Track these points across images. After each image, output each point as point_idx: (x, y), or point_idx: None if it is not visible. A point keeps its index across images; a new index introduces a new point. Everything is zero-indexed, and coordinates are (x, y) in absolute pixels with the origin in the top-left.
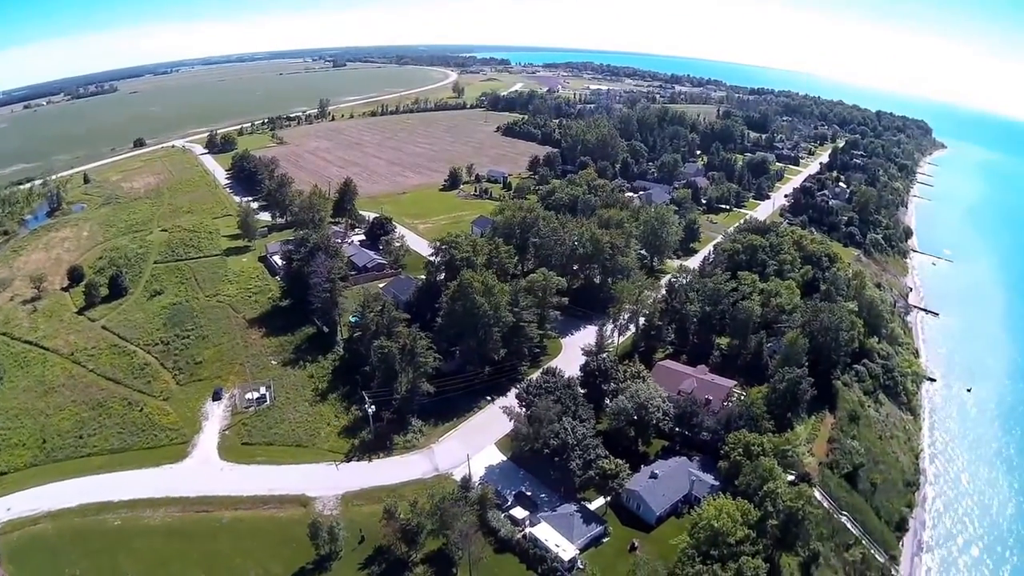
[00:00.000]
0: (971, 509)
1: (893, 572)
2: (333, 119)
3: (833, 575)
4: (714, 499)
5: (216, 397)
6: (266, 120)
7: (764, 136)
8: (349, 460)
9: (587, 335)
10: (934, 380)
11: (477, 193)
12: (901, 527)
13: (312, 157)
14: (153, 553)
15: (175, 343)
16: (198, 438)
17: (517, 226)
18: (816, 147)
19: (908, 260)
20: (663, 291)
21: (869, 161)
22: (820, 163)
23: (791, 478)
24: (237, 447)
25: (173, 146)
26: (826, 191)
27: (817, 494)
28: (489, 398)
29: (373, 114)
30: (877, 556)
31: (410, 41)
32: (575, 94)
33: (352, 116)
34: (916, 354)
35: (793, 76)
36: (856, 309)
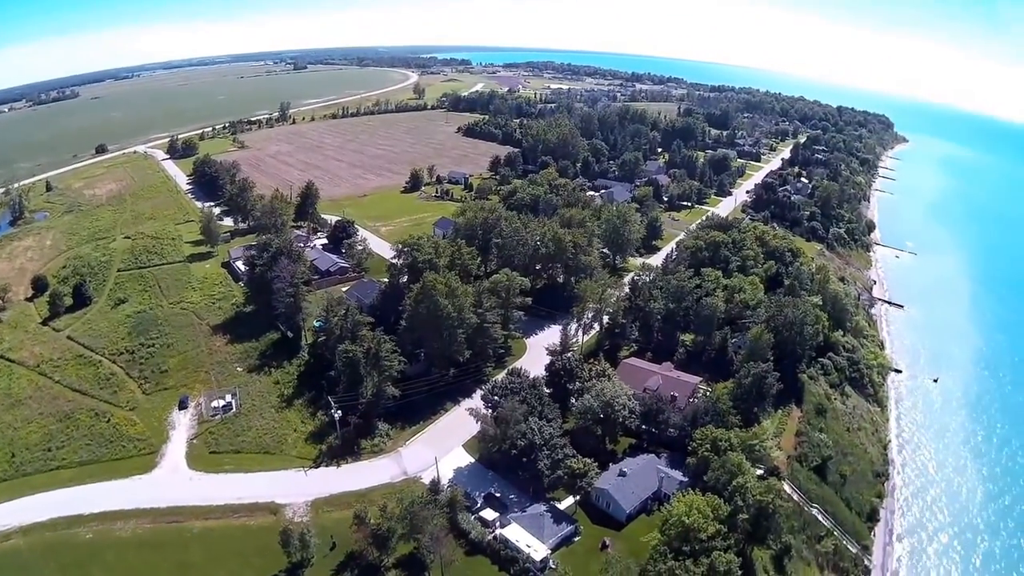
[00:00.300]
0: (940, 497)
1: (866, 562)
2: (294, 122)
3: (806, 567)
4: (683, 495)
5: (182, 406)
6: (227, 124)
7: (725, 133)
8: (317, 466)
9: (551, 335)
10: (900, 371)
11: (438, 194)
12: (872, 517)
13: (273, 161)
14: (125, 566)
15: (140, 352)
16: (166, 448)
17: (479, 227)
18: (777, 143)
19: (871, 253)
20: (626, 289)
21: (831, 156)
22: (782, 159)
23: (760, 472)
24: (205, 456)
25: (135, 152)
26: (788, 186)
27: (787, 487)
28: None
29: (334, 116)
30: (849, 547)
31: (371, 42)
32: (536, 94)
33: (313, 119)
34: (881, 346)
35: (754, 73)
36: (820, 303)
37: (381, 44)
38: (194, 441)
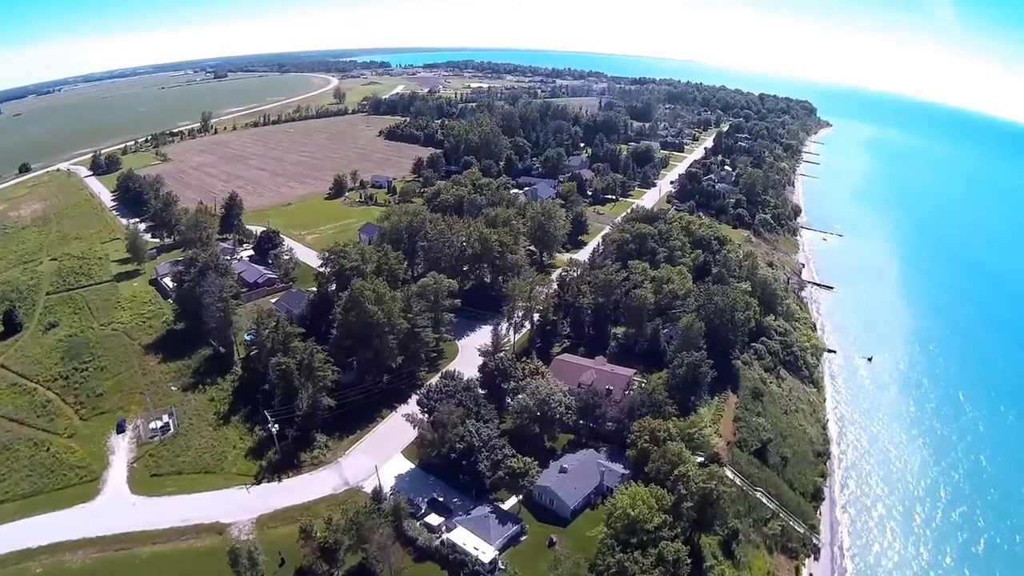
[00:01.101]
0: (880, 471)
1: (815, 540)
2: (216, 132)
3: (754, 550)
4: (626, 488)
5: (120, 429)
6: (149, 137)
7: (647, 125)
8: (259, 482)
9: (483, 335)
10: (834, 352)
11: (362, 200)
12: (817, 496)
13: (197, 173)
14: None
15: (75, 377)
16: (107, 474)
17: (404, 231)
18: (700, 133)
19: (798, 237)
20: (555, 286)
21: (754, 143)
22: (705, 148)
23: (701, 460)
24: (147, 479)
25: (59, 170)
26: (712, 175)
27: (729, 473)
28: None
29: (255, 125)
30: (796, 527)
31: (291, 48)
32: (457, 93)
33: (235, 128)
34: (814, 328)
35: (676, 64)
36: (750, 289)
37: (301, 49)
38: (135, 465)
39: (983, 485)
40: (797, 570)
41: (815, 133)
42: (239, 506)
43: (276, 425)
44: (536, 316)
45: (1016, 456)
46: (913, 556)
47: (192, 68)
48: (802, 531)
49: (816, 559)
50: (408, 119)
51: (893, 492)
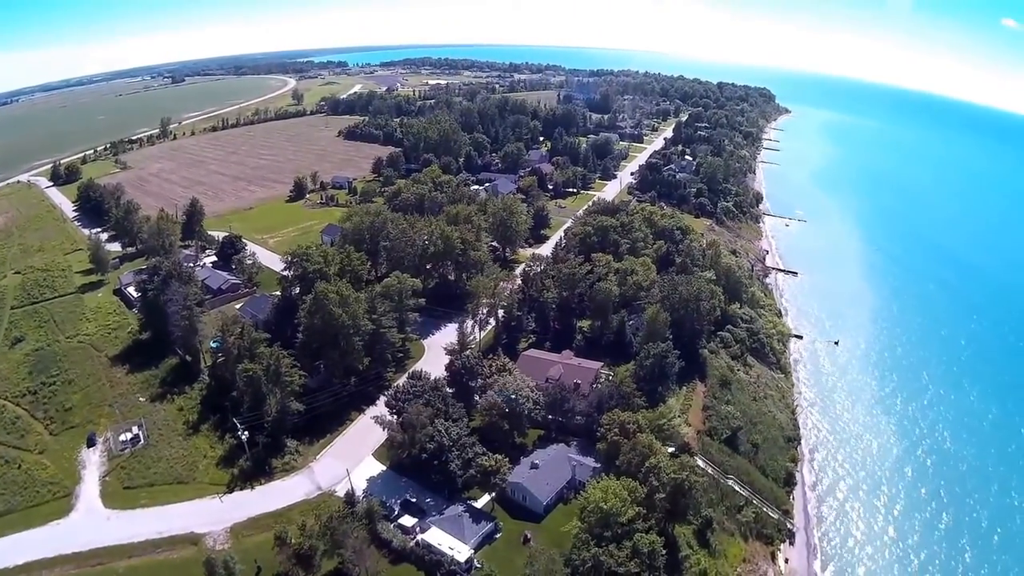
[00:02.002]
0: (850, 453)
1: (789, 526)
2: (175, 138)
3: (729, 538)
4: (598, 481)
5: (91, 443)
6: (108, 145)
7: (606, 117)
8: (232, 490)
9: (449, 333)
10: (801, 337)
11: (323, 201)
12: (789, 482)
13: (157, 180)
14: None
15: (43, 391)
16: (79, 489)
17: (366, 231)
18: (659, 123)
19: (761, 224)
20: (519, 281)
21: (714, 132)
22: (664, 138)
23: (671, 450)
24: (120, 492)
25: (19, 182)
26: (672, 165)
27: (700, 462)
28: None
29: (214, 129)
30: (770, 513)
31: (248, 50)
32: (414, 91)
33: (194, 133)
34: (779, 314)
35: (635, 55)
36: (714, 278)
37: (258, 51)
38: (107, 478)
39: (949, 461)
40: (773, 555)
41: (774, 120)
42: (213, 516)
43: (246, 432)
44: (501, 312)
45: (979, 432)
46: (885, 534)
47: (149, 74)
48: (776, 516)
49: (791, 544)
50: (367, 118)
51: (864, 473)
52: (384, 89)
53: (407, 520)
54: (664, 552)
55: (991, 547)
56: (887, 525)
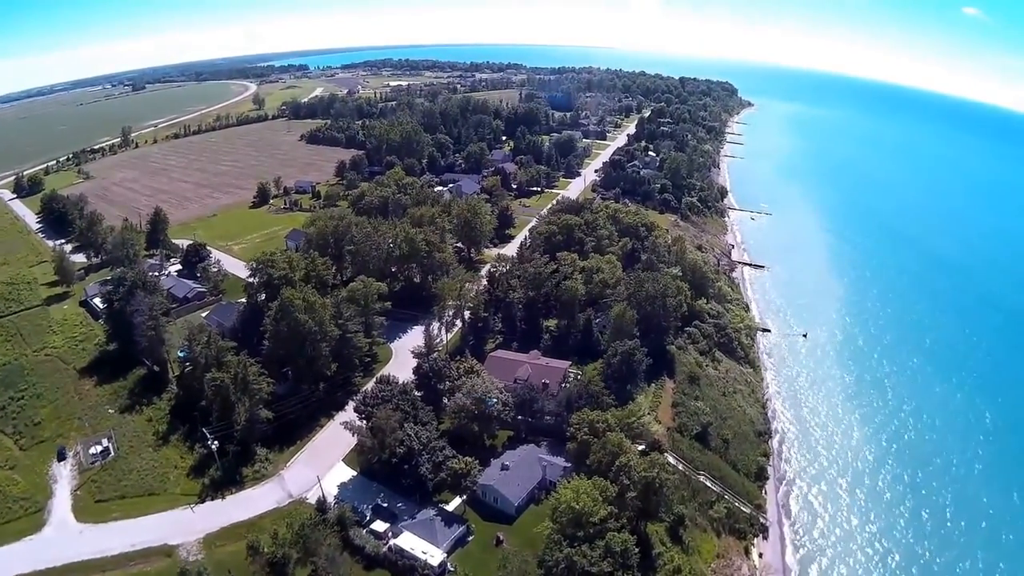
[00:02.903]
0: (822, 445)
1: (762, 520)
2: (137, 146)
3: (702, 534)
4: (569, 481)
5: (61, 457)
6: (71, 155)
7: (569, 114)
8: (203, 500)
9: (415, 336)
10: (769, 330)
11: (287, 206)
12: (760, 476)
13: (120, 189)
14: None
15: (11, 407)
16: (51, 504)
17: (330, 235)
18: (622, 119)
19: (726, 218)
20: (484, 282)
21: (677, 127)
22: (628, 135)
23: (641, 448)
24: (92, 506)
25: None
26: (636, 161)
27: (670, 459)
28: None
29: (176, 136)
30: (743, 508)
31: (207, 55)
32: (376, 93)
33: (156, 140)
34: (747, 308)
35: (597, 52)
36: (680, 274)
37: (218, 57)
38: (78, 492)
39: (918, 449)
40: (746, 550)
41: (738, 113)
42: (185, 527)
43: (215, 442)
44: (467, 314)
45: (947, 419)
46: (856, 524)
47: (109, 82)
48: (748, 511)
49: (765, 538)
50: (328, 122)
51: (835, 464)
52: (345, 92)
53: (379, 525)
54: (637, 551)
55: (960, 533)
56: (859, 515)
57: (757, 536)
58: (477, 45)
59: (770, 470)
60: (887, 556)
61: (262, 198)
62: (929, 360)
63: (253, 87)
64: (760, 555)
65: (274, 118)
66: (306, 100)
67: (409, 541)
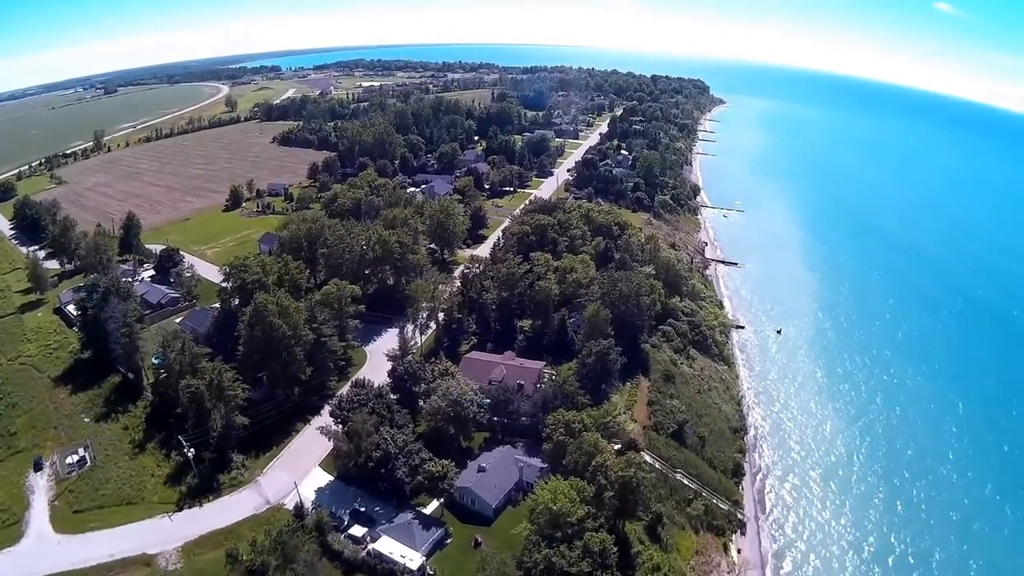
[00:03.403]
0: (799, 440)
1: (740, 516)
2: (110, 150)
3: (680, 532)
4: (545, 483)
5: (37, 467)
6: (43, 160)
7: (541, 114)
8: (181, 508)
9: (390, 339)
10: (743, 327)
11: (260, 209)
12: (738, 472)
13: (92, 194)
14: None
15: None
16: (29, 515)
17: (303, 239)
18: (594, 118)
19: (699, 216)
20: (458, 283)
21: (649, 126)
22: (600, 133)
23: (618, 447)
24: (70, 517)
25: None
26: (609, 160)
27: (647, 458)
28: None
29: (148, 140)
30: (720, 504)
31: (180, 57)
32: (348, 94)
33: (128, 144)
34: (721, 305)
35: (569, 51)
36: (653, 272)
37: (191, 58)
38: (55, 503)
39: (893, 443)
40: (725, 547)
41: (710, 111)
42: (164, 535)
43: (192, 449)
44: (441, 316)
45: (926, 411)
46: (834, 518)
47: (82, 85)
48: (726, 508)
49: (743, 534)
50: (301, 123)
51: (811, 459)
52: (318, 93)
53: (357, 530)
54: (615, 550)
55: (934, 523)
56: (835, 508)
57: (735, 532)
58: (449, 45)
59: (747, 466)
60: (861, 545)
61: (235, 201)
62: (901, 353)
63: (225, 89)
64: (739, 551)
65: (246, 120)
66: (278, 102)
67: (387, 545)
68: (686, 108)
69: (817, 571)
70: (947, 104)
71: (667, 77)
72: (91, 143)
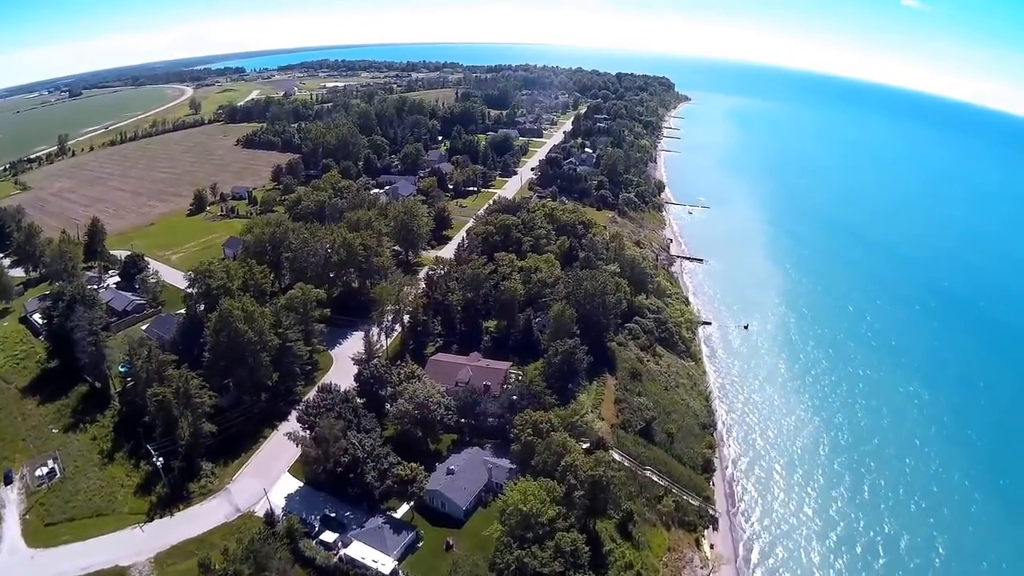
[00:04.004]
0: (767, 433)
1: (711, 511)
2: (74, 154)
3: (651, 528)
4: (515, 484)
5: (7, 480)
6: (7, 166)
7: (505, 113)
8: (152, 519)
9: (356, 342)
10: (710, 323)
11: (224, 213)
12: (707, 468)
13: (57, 199)
14: None
15: None
16: (1, 530)
17: (268, 243)
18: (559, 117)
19: (664, 213)
20: (423, 285)
21: (613, 123)
22: (564, 132)
23: (586, 446)
24: (41, 530)
25: None
26: (573, 159)
27: (616, 456)
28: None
29: (113, 143)
30: (691, 500)
31: (145, 59)
32: (312, 95)
33: (92, 148)
34: (687, 302)
35: (534, 49)
36: (618, 270)
37: (156, 60)
38: (27, 516)
39: (859, 434)
40: (697, 542)
41: (675, 108)
42: (136, 546)
43: (161, 458)
44: (406, 318)
45: (890, 402)
46: (803, 511)
47: (47, 88)
48: (697, 504)
49: (715, 529)
50: (265, 125)
51: (780, 453)
52: (282, 94)
53: (328, 536)
54: (587, 549)
55: (904, 511)
56: (805, 502)
57: (707, 528)
58: (414, 44)
59: (716, 462)
60: (828, 533)
61: (199, 205)
62: (865, 345)
63: (190, 91)
64: (711, 546)
65: (210, 122)
66: (242, 103)
67: (359, 550)
68: (651, 105)
69: (785, 562)
70: (907, 97)
71: (632, 75)
72: (56, 147)
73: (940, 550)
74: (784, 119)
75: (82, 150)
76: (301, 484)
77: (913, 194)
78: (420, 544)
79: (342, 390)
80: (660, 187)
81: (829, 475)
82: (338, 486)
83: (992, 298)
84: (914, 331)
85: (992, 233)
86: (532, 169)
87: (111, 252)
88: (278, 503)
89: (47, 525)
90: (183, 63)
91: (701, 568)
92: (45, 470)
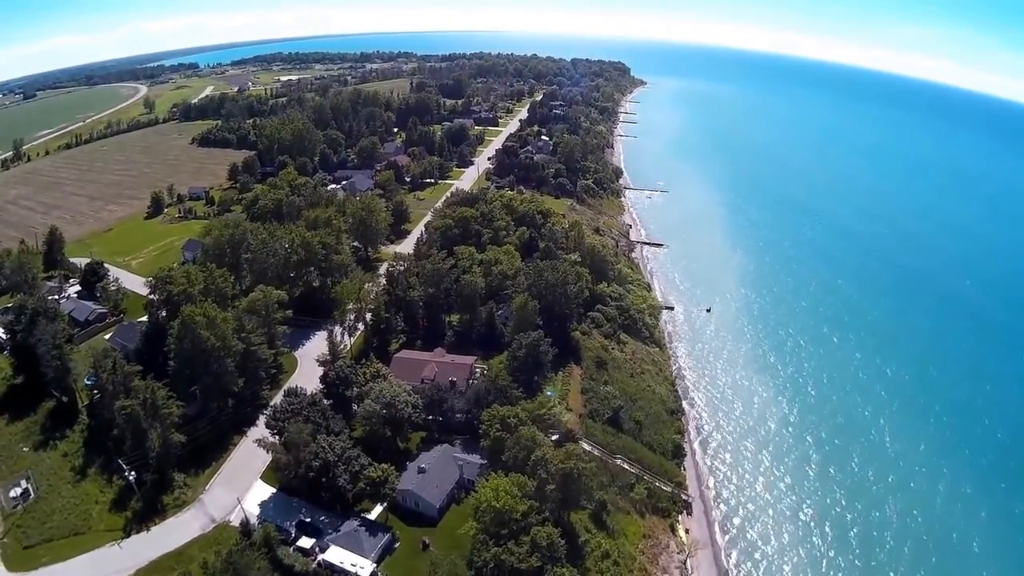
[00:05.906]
0: (735, 415)
1: (684, 497)
2: (29, 159)
3: (625, 517)
4: (487, 480)
5: None
6: None
7: (460, 102)
8: (128, 535)
9: (319, 342)
10: (672, 308)
11: (182, 215)
12: (678, 454)
13: (14, 208)
14: None
15: None
16: None
17: (227, 244)
18: (514, 104)
19: (623, 199)
20: (383, 282)
21: (569, 110)
22: (520, 120)
23: (556, 438)
24: (20, 553)
25: None
26: (529, 147)
27: (586, 446)
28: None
29: (68, 146)
30: (663, 487)
31: (98, 58)
32: (266, 89)
33: (48, 152)
34: (648, 288)
35: (488, 36)
36: (579, 259)
37: (108, 58)
38: (4, 540)
39: (826, 413)
40: (672, 528)
41: (631, 92)
42: (115, 564)
43: (132, 472)
44: (369, 316)
45: (856, 380)
46: (776, 491)
47: (0, 91)
48: (669, 490)
49: (689, 514)
50: (220, 122)
51: (749, 434)
52: (236, 90)
53: (305, 542)
54: (563, 542)
55: (873, 487)
56: (776, 481)
57: (681, 513)
58: (368, 35)
59: (686, 446)
60: (806, 517)
61: (156, 208)
62: (828, 322)
63: (144, 89)
64: (687, 531)
65: (164, 121)
66: (196, 101)
67: (337, 555)
68: (607, 91)
69: (761, 541)
70: (871, 78)
71: (587, 60)
72: (11, 153)
73: (910, 523)
74: (735, 100)
75: (37, 155)
76: (274, 490)
77: (860, 169)
78: (397, 545)
79: (308, 393)
80: (618, 173)
81: (798, 453)
82: (311, 491)
83: (951, 272)
84: (877, 307)
85: (934, 204)
86: (489, 158)
87: (71, 260)
88: (253, 511)
89: (25, 548)
90: (137, 60)
91: (678, 553)
92: (19, 491)
